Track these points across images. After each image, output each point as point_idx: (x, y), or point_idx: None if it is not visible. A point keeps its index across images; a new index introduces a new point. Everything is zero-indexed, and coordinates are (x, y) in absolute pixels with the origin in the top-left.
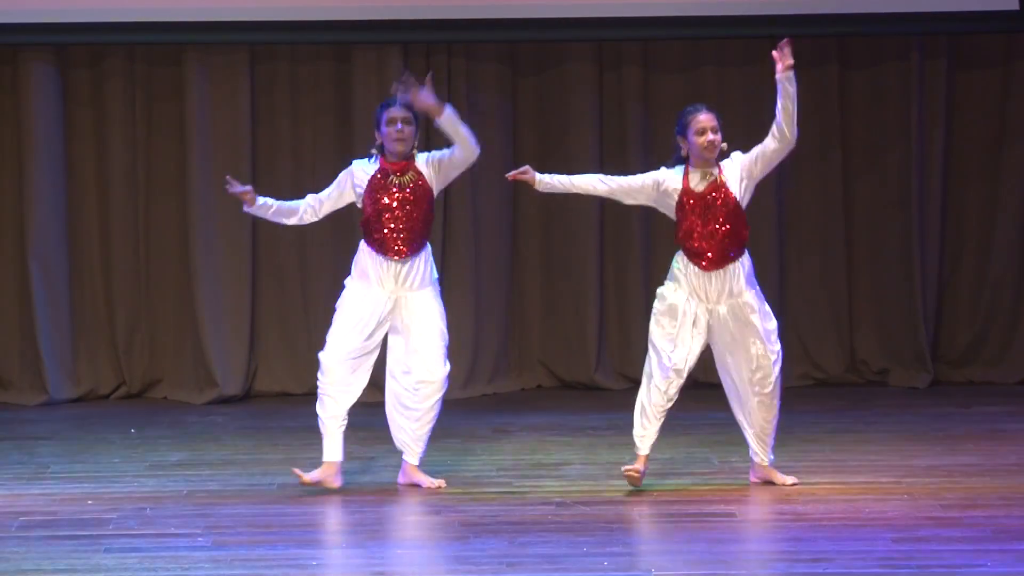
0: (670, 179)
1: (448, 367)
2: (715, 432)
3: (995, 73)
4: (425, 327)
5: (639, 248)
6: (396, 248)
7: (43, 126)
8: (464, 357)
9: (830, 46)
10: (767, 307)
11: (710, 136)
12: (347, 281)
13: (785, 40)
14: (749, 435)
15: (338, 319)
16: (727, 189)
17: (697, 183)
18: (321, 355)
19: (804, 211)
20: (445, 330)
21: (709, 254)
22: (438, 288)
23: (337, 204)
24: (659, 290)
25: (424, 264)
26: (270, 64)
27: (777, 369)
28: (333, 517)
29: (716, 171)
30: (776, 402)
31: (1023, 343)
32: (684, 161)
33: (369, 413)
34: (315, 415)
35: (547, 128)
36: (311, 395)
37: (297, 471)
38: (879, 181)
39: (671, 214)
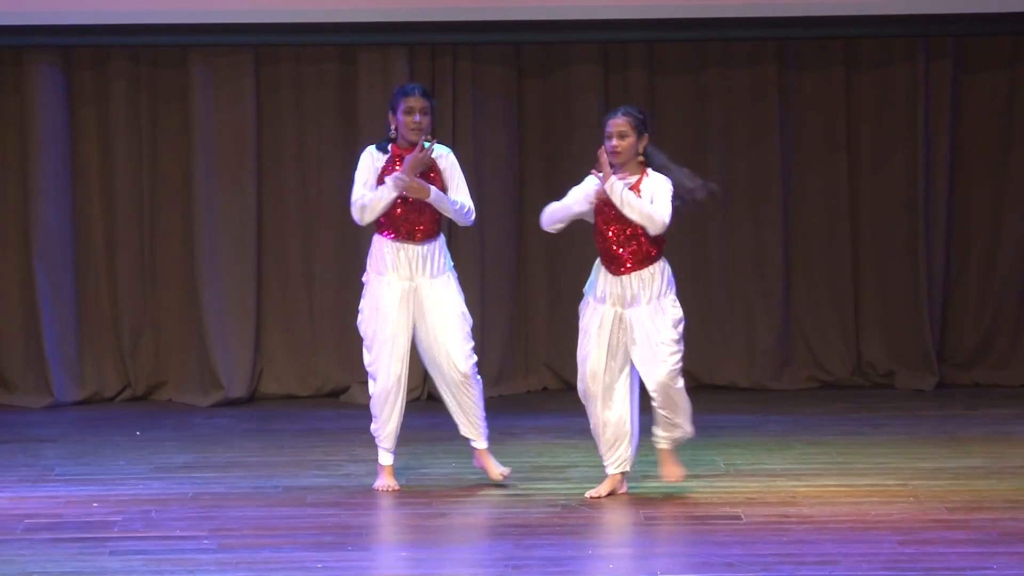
0: (591, 184)
1: (473, 359)
2: (720, 434)
3: (1002, 75)
4: (446, 316)
5: None
6: (410, 232)
7: (48, 128)
8: None
9: (836, 48)
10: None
11: (613, 142)
12: (364, 279)
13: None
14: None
15: (375, 345)
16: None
17: None
18: (374, 389)
19: (810, 213)
20: (467, 313)
21: (627, 263)
22: (455, 274)
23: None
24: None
25: (439, 251)
26: (274, 66)
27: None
28: (338, 520)
29: (635, 179)
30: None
31: None
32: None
33: None
34: (321, 417)
35: (552, 130)
36: (316, 398)
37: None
38: (885, 183)
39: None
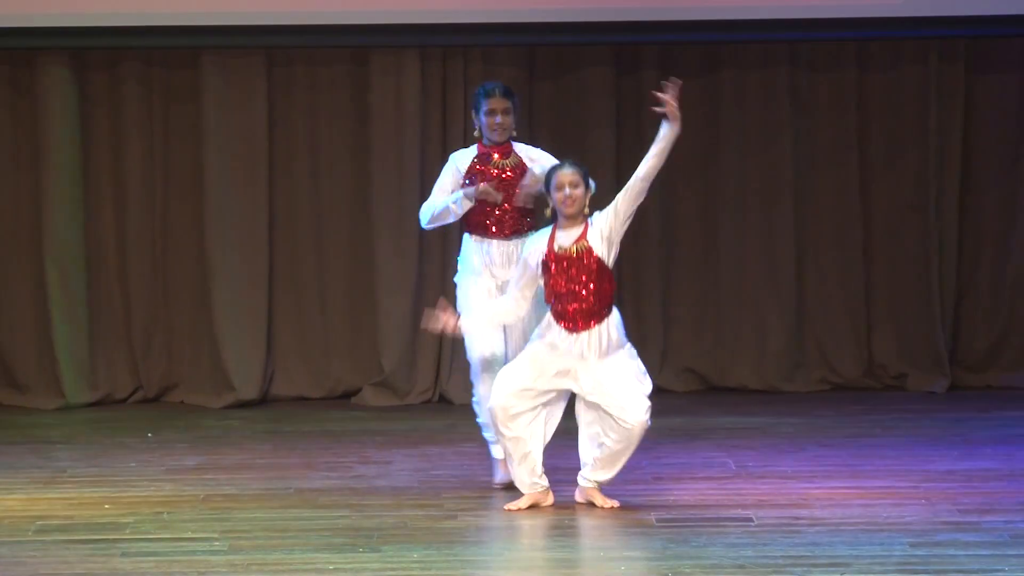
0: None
1: None
2: (731, 436)
3: (1014, 77)
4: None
5: (655, 248)
6: (497, 228)
7: (60, 130)
8: None
9: (848, 49)
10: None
11: (567, 191)
12: (456, 279)
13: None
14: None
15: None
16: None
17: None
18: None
19: (821, 215)
20: None
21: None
22: None
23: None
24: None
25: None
26: (287, 67)
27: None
28: (350, 521)
29: (580, 230)
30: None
31: None
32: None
33: (386, 417)
34: (332, 419)
35: (564, 133)
36: (328, 399)
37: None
38: (897, 184)
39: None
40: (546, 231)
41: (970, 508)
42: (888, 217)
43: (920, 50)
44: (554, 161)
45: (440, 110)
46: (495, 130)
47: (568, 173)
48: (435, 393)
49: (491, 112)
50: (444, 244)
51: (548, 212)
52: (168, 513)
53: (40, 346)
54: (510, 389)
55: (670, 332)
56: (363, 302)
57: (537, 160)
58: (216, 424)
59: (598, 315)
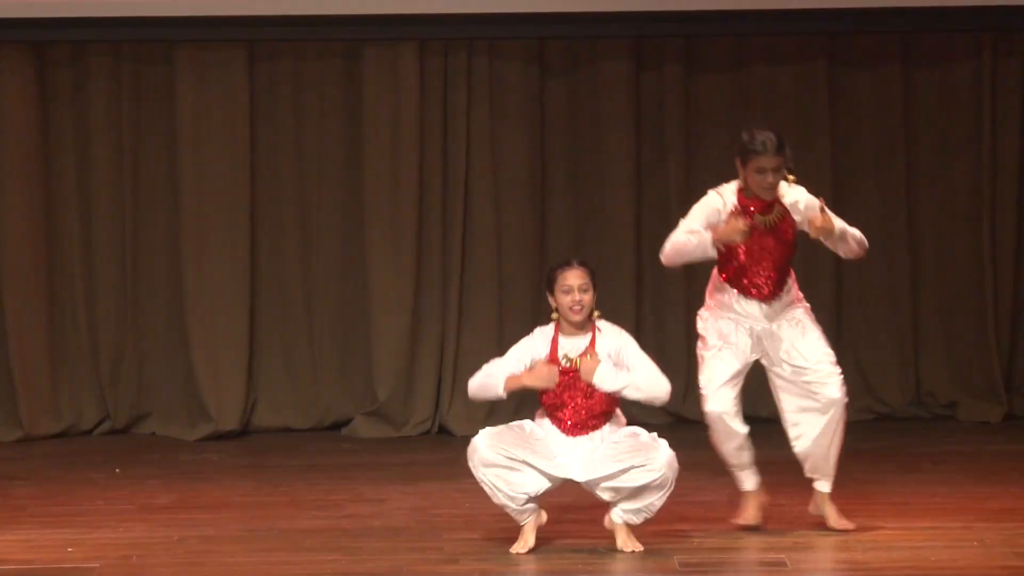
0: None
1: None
2: (763, 471)
3: None
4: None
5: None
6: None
7: (19, 131)
8: None
9: (892, 43)
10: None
11: (577, 296)
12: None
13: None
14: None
15: None
16: None
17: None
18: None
19: (864, 224)
20: None
21: None
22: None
23: None
24: None
25: None
26: (271, 63)
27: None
28: (340, 566)
29: (587, 341)
30: None
31: None
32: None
33: (380, 451)
34: (321, 452)
35: (578, 133)
36: (316, 430)
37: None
38: (947, 191)
39: None
40: (546, 332)
41: None
42: (937, 226)
43: (972, 43)
44: (810, 198)
45: (441, 110)
46: (765, 188)
47: (577, 274)
48: (434, 424)
49: (762, 170)
50: (444, 259)
51: (554, 315)
52: (138, 557)
53: None
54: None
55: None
56: (355, 322)
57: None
58: (192, 458)
59: (596, 423)
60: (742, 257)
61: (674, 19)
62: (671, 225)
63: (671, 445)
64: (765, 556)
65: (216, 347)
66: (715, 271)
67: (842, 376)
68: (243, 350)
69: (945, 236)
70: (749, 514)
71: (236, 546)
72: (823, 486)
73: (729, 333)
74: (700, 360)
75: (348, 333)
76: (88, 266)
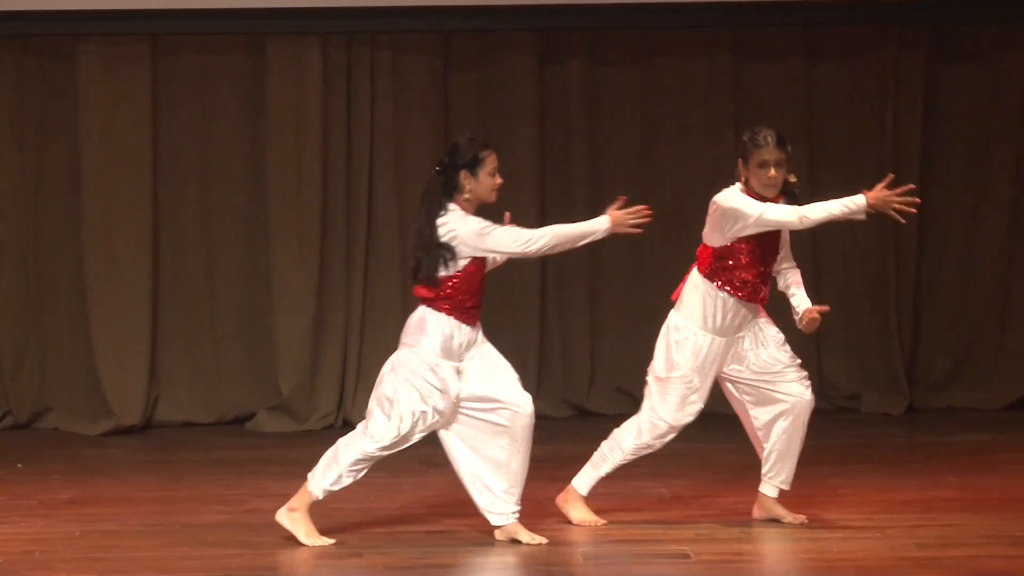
0: None
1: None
2: (665, 464)
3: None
4: None
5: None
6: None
7: None
8: None
9: (797, 36)
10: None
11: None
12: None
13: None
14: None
15: None
16: None
17: None
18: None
19: None
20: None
21: None
22: None
23: None
24: None
25: None
26: (174, 57)
27: None
28: (242, 560)
29: None
30: None
31: (1010, 364)
32: None
33: (284, 445)
34: (224, 447)
35: (484, 128)
36: (219, 425)
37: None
38: (850, 184)
39: None
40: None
41: (930, 542)
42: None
43: (876, 37)
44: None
45: (344, 104)
46: (767, 185)
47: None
48: (338, 418)
49: (763, 164)
50: (347, 253)
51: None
52: (40, 552)
53: None
54: None
55: (598, 350)
56: (259, 317)
57: None
58: (94, 453)
59: None
60: (744, 259)
61: (578, 12)
62: (574, 218)
63: (574, 438)
64: (669, 549)
65: (118, 342)
66: (695, 272)
67: (809, 379)
68: (145, 345)
69: (847, 228)
70: None
71: (138, 541)
72: (777, 488)
73: (707, 354)
74: (664, 381)
75: (252, 327)
76: None
